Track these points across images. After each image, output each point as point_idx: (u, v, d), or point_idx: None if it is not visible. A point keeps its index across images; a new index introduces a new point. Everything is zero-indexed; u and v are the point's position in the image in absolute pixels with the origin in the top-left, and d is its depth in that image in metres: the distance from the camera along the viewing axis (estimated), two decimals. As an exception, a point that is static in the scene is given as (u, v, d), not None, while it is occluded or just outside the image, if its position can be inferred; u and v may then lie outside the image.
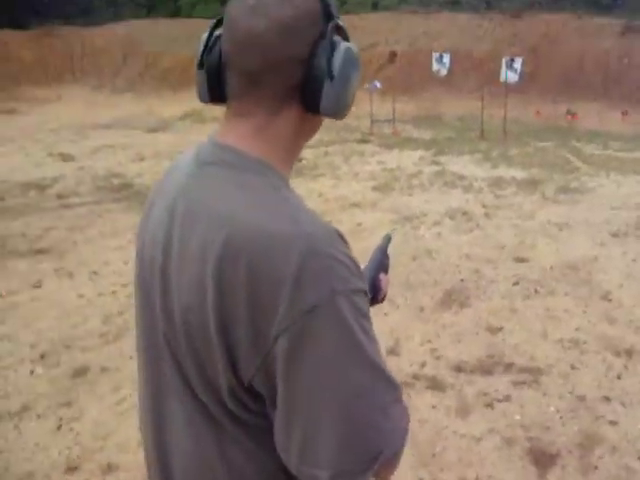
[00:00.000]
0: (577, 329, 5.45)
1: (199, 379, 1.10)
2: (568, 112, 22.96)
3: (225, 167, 1.14)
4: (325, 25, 1.12)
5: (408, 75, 27.24)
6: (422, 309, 5.87)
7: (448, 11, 31.90)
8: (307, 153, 14.46)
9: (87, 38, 34.47)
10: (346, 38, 1.18)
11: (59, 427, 4.05)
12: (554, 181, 11.81)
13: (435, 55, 25.66)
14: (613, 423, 4.05)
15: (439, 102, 25.38)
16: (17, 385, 4.64)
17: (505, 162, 14.10)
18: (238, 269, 0.99)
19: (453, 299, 6.13)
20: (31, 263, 7.41)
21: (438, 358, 4.94)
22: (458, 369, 4.75)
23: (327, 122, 1.27)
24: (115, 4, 39.84)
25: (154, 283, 1.18)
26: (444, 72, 25.75)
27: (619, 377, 4.65)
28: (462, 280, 6.65)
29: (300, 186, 10.24)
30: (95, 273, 6.94)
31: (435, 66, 25.66)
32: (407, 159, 14.55)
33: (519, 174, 12.51)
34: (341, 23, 1.16)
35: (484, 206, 9.79)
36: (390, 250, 1.82)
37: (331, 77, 1.10)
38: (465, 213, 9.36)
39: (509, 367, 4.79)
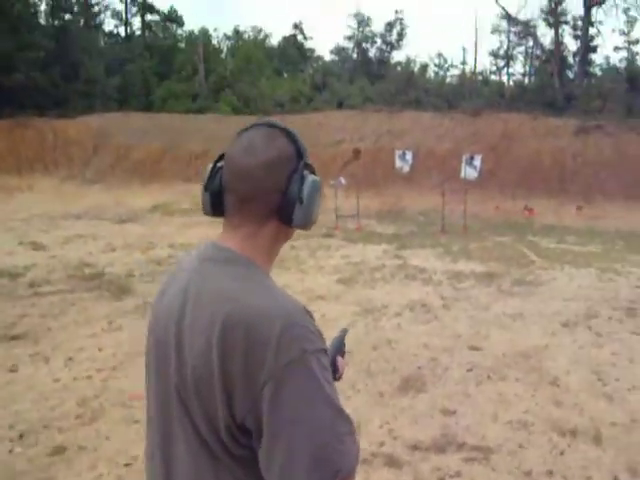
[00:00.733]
0: (526, 412, 5.83)
1: (203, 420, 1.48)
2: (525, 207, 23.82)
3: (223, 263, 1.58)
4: (298, 162, 1.61)
5: (372, 172, 28.04)
6: (382, 394, 6.21)
7: (411, 110, 33.03)
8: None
9: (59, 129, 34.98)
10: (313, 171, 1.66)
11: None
12: (510, 274, 12.35)
13: (398, 152, 26.59)
14: (555, 495, 4.41)
15: (402, 198, 26.11)
16: (-4, 464, 4.85)
17: (464, 256, 14.67)
18: (236, 336, 1.41)
19: (410, 385, 6.48)
20: (6, 348, 7.61)
21: (395, 438, 5.26)
22: (414, 448, 5.08)
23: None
24: (88, 97, 40.60)
25: (168, 347, 1.57)
26: (407, 169, 26.68)
27: (562, 454, 5.02)
28: (419, 368, 7.01)
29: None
30: (70, 359, 7.17)
31: (398, 163, 26.58)
32: (370, 253, 15.04)
33: (477, 267, 13.04)
34: (309, 161, 1.65)
35: (442, 298, 10.24)
36: (346, 340, 2.26)
37: (301, 202, 1.57)
38: (424, 305, 9.77)
39: (461, 446, 5.13)
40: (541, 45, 44.32)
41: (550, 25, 41.46)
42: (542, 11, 42.39)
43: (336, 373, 2.07)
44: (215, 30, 76.78)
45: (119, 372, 6.77)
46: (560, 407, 5.96)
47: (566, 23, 41.55)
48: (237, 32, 61.36)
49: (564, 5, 40.75)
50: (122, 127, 36.50)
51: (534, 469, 4.77)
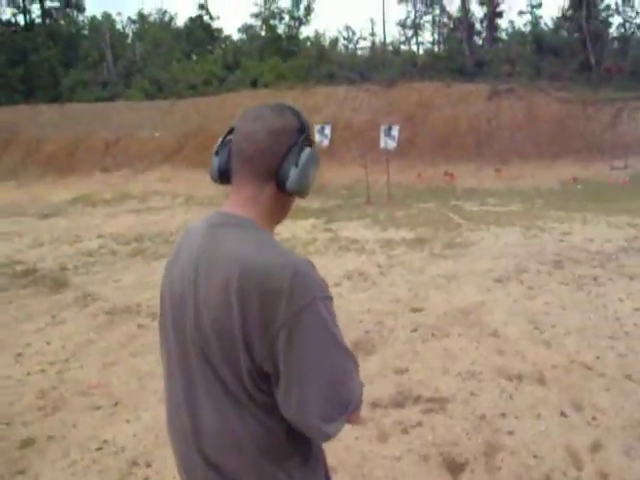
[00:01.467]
0: (472, 363, 6.13)
1: (226, 369, 1.64)
2: (446, 173, 24.37)
3: (230, 226, 1.74)
4: (299, 136, 1.78)
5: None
6: (334, 359, 6.43)
7: (325, 85, 33.19)
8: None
9: (-38, 126, 34.09)
10: (312, 143, 1.85)
11: (18, 492, 4.35)
12: (439, 238, 12.73)
13: (317, 127, 26.73)
14: (510, 433, 4.71)
15: (324, 172, 26.13)
16: (-35, 463, 4.86)
17: (393, 224, 15.02)
18: (252, 289, 1.57)
19: (360, 348, 6.70)
20: (-51, 352, 7.53)
21: (350, 399, 5.49)
22: (374, 405, 5.32)
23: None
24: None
25: (187, 309, 1.72)
26: (326, 143, 26.90)
27: (511, 397, 5.34)
28: (366, 332, 7.25)
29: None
30: (19, 355, 7.11)
31: (317, 137, 26.75)
32: (300, 228, 15.22)
33: (407, 234, 13.40)
34: (310, 136, 1.84)
35: (378, 266, 10.52)
36: None
37: (296, 165, 1.74)
38: (361, 273, 10.03)
39: (418, 399, 5.39)
40: (448, 13, 45.07)
41: (456, -8, 42.16)
42: (446, -22, 43.08)
43: None
44: (119, 14, 75.17)
45: (72, 363, 6.78)
46: (503, 356, 6.29)
47: (471, -11, 42.33)
48: (142, 15, 60.15)
49: (468, -29, 41.39)
50: (30, 120, 35.67)
51: (487, 413, 5.07)
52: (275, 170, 1.76)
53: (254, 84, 37.17)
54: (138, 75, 42.07)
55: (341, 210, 18.40)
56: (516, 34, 42.58)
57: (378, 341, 6.93)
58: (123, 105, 36.61)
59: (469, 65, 33.99)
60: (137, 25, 60.43)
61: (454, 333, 7.07)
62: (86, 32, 52.18)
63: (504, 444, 4.56)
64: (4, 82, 40.29)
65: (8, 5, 49.24)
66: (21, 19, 50.04)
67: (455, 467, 4.29)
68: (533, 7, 44.13)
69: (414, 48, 50.21)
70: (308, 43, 48.10)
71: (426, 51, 45.32)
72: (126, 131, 33.83)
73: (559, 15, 40.05)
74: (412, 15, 49.65)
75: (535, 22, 42.89)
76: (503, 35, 43.56)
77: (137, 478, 4.41)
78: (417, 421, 4.99)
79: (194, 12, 59.92)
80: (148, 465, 4.52)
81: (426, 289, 8.89)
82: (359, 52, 48.02)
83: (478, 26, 42.42)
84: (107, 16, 54.55)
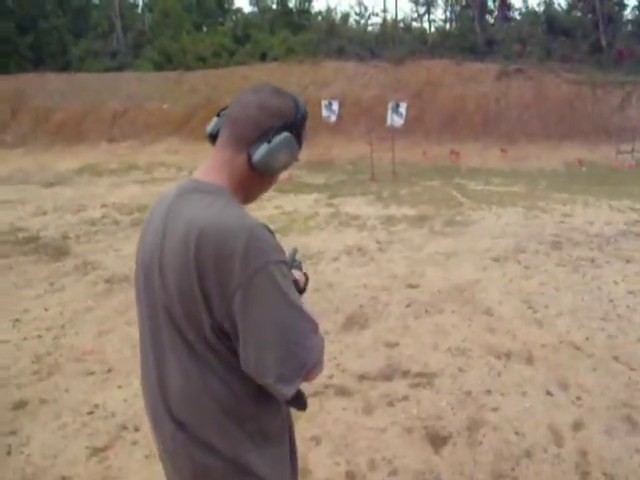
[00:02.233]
0: (463, 340, 6.20)
1: (190, 328, 1.71)
2: (452, 152, 24.30)
3: (199, 192, 1.80)
4: (288, 122, 1.84)
5: (307, 127, 28.11)
6: (327, 332, 6.47)
7: (335, 60, 33.02)
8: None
9: (-28, 92, 34.08)
10: (300, 136, 1.91)
11: (9, 453, 4.40)
12: (441, 216, 12.76)
13: (324, 102, 26.58)
14: (494, 409, 4.78)
15: (330, 147, 26.34)
16: (-42, 421, 4.96)
17: (396, 201, 15.02)
18: (209, 250, 1.63)
19: (354, 322, 6.78)
20: (-52, 316, 7.62)
21: (344, 371, 5.56)
22: (362, 378, 5.39)
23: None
24: (0, 57, 39.26)
25: (154, 270, 1.80)
26: (333, 118, 26.74)
27: (499, 374, 5.40)
28: (361, 306, 7.32)
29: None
30: (17, 320, 7.20)
31: (325, 113, 26.59)
32: (302, 202, 15.28)
33: (409, 211, 13.42)
34: (301, 129, 1.91)
35: (377, 242, 10.56)
36: (298, 257, 2.48)
37: (269, 142, 1.79)
38: (360, 249, 10.07)
39: (406, 373, 5.46)
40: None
41: (468, -30, 41.69)
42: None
43: (296, 284, 2.30)
44: (129, -16, 74.26)
45: (69, 330, 6.86)
46: (494, 334, 6.35)
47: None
48: (152, -15, 59.71)
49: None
50: (39, 89, 35.61)
51: (474, 389, 5.14)
52: (251, 142, 1.81)
53: (263, 57, 37.03)
54: (147, 46, 41.91)
55: (345, 186, 18.39)
56: (529, 14, 42.08)
57: (372, 316, 7.00)
58: (132, 76, 36.52)
59: (480, 44, 33.72)
60: (147, -5, 60.03)
61: (447, 310, 7.12)
62: (96, 1, 51.76)
63: (488, 420, 4.63)
64: (13, 49, 40.13)
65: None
66: (31, -14, 49.72)
67: (438, 440, 4.37)
68: (548, -14, 43.69)
69: (425, 25, 49.94)
70: (319, 17, 47.73)
71: (437, 29, 45.07)
72: (134, 102, 33.78)
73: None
74: (425, -9, 49.44)
75: (549, 2, 42.45)
76: (516, 15, 43.16)
77: (125, 441, 4.50)
78: (404, 395, 5.06)
79: (205, -17, 59.47)
80: (137, 429, 4.60)
81: (423, 266, 8.93)
82: (370, 28, 47.69)
83: (491, 4, 42.11)
84: (117, -15, 54.20)
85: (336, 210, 13.94)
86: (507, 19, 40.35)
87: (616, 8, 35.19)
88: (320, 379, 5.37)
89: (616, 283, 7.93)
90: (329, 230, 11.75)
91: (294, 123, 1.85)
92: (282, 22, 44.03)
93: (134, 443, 4.44)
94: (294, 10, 47.61)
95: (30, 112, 34.27)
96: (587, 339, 6.15)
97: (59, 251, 10.67)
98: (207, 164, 1.88)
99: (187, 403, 1.78)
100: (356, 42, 35.83)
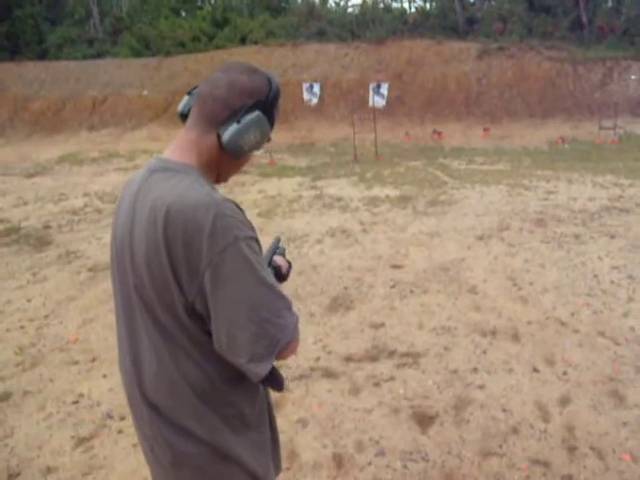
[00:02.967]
0: (448, 318, 6.20)
1: (162, 309, 1.68)
2: (434, 131, 24.26)
3: (166, 171, 1.76)
4: (259, 100, 1.80)
5: (281, 106, 28.04)
6: (312, 314, 6.47)
7: (315, 42, 32.84)
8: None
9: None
10: (272, 116, 1.87)
11: (-7, 444, 4.40)
12: (424, 196, 12.73)
13: (305, 85, 26.56)
14: (481, 387, 4.79)
15: (312, 130, 26.23)
16: (-59, 416, 4.90)
17: (379, 182, 14.97)
18: (177, 228, 1.59)
19: (339, 304, 6.77)
20: None
21: (330, 353, 5.55)
22: (348, 359, 5.38)
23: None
24: (-25, 46, 38.81)
25: (125, 251, 1.76)
26: (315, 101, 26.73)
27: (485, 352, 5.41)
28: (346, 288, 7.30)
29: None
30: (0, 312, 7.19)
31: (306, 96, 26.58)
32: (286, 186, 15.20)
33: (392, 192, 13.37)
34: (274, 108, 1.87)
35: (361, 223, 10.52)
36: (281, 244, 2.45)
37: (238, 122, 1.74)
38: (344, 231, 10.04)
39: (392, 354, 5.46)
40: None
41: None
42: None
43: (279, 270, 2.26)
44: (105, -31, 73.28)
45: (52, 319, 6.81)
46: (480, 312, 6.35)
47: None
48: (128, -29, 59.11)
49: None
50: (17, 78, 35.26)
51: (460, 367, 5.14)
52: (220, 121, 1.77)
53: (243, 41, 36.74)
54: (125, 32, 41.48)
55: (328, 168, 18.30)
56: (509, -9, 42.04)
57: (357, 297, 6.98)
58: (110, 63, 36.17)
59: (460, 23, 33.58)
60: (124, -20, 59.41)
61: (432, 289, 7.11)
62: (72, -13, 51.19)
63: (474, 398, 4.63)
64: (-12, 38, 39.67)
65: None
66: (4, -26, 48.94)
67: (424, 420, 4.36)
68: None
69: (406, 5, 49.67)
70: (299, 0, 47.45)
71: (417, 8, 44.82)
72: (113, 89, 33.48)
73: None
74: (404, -29, 49.16)
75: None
76: (496, -8, 43.04)
77: (111, 430, 4.47)
78: (390, 375, 5.06)
79: (183, -33, 58.86)
80: (122, 418, 4.57)
81: (407, 246, 8.91)
82: (350, 9, 47.40)
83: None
84: (94, -29, 53.54)
85: (319, 192, 13.88)
86: (487, -3, 40.25)
87: (596, -16, 35.18)
88: (306, 362, 5.37)
89: (600, 259, 7.93)
90: (313, 212, 11.70)
91: (266, 102, 1.81)
92: (261, 5, 43.66)
93: (120, 432, 4.41)
94: (273, -7, 47.26)
95: (8, 102, 33.89)
96: (572, 315, 6.16)
97: (41, 241, 10.58)
98: (176, 143, 1.84)
99: (162, 387, 1.75)
100: (336, 24, 35.60)
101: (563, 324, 5.95)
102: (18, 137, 31.03)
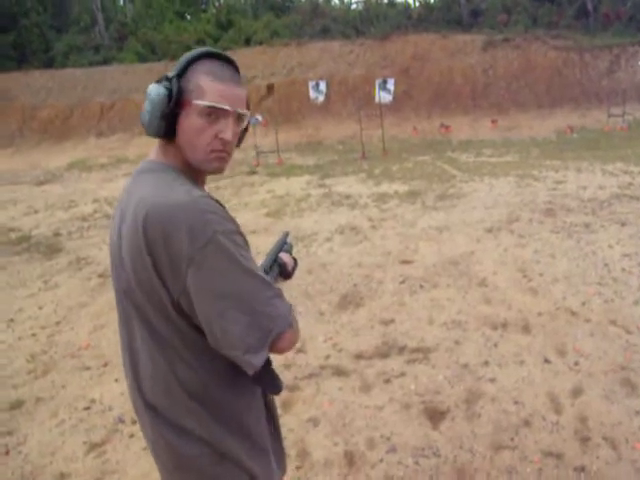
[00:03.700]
0: (459, 312, 6.17)
1: (152, 309, 1.66)
2: (442, 125, 24.20)
3: (148, 172, 1.77)
4: (164, 75, 1.77)
5: (287, 105, 28.04)
6: (322, 313, 6.46)
7: (320, 40, 32.83)
8: (198, 190, 14.91)
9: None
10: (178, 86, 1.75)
11: (7, 452, 4.39)
12: (433, 190, 12.70)
13: (311, 83, 26.56)
14: (492, 380, 4.76)
15: (319, 128, 26.21)
16: (-45, 425, 4.93)
17: (387, 178, 14.95)
18: (156, 229, 1.57)
19: (348, 302, 6.75)
20: (-57, 319, 7.58)
21: (340, 350, 5.53)
22: (358, 357, 5.37)
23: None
24: (-18, 57, 38.98)
25: (116, 257, 1.76)
26: (321, 99, 26.72)
27: (496, 345, 5.38)
28: (355, 285, 7.28)
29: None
30: (12, 320, 7.18)
31: (312, 94, 26.57)
32: (295, 185, 15.21)
33: (401, 188, 13.35)
34: (182, 76, 1.75)
35: (370, 220, 10.50)
36: (289, 240, 2.43)
37: None
38: (353, 228, 10.02)
39: (402, 350, 5.44)
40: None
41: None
42: None
43: (284, 267, 2.24)
44: (109, -24, 73.27)
45: (64, 326, 6.84)
46: (490, 304, 6.32)
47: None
48: (133, -24, 59.20)
49: None
50: (24, 87, 35.46)
51: (471, 361, 5.12)
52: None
53: (248, 42, 36.76)
54: (131, 37, 41.59)
55: (336, 166, 18.30)
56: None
57: (366, 294, 6.96)
58: (117, 69, 36.31)
59: (465, 15, 33.49)
60: (128, -14, 59.48)
61: (442, 284, 7.09)
62: (76, -5, 51.27)
63: (486, 391, 4.61)
64: (-5, 48, 39.82)
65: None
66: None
67: (436, 415, 4.34)
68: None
69: (409, 0, 49.44)
70: (302, -1, 47.43)
71: (421, 2, 44.69)
72: (121, 95, 33.62)
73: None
74: (406, -35, 48.95)
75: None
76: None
77: (123, 435, 4.48)
78: (400, 371, 5.04)
79: (186, -29, 58.88)
80: (134, 422, 4.57)
81: (416, 241, 8.89)
82: (354, 6, 47.33)
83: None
84: (97, -23, 53.60)
85: (328, 190, 13.87)
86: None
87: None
88: (316, 360, 5.36)
89: (611, 247, 7.88)
90: (321, 211, 11.69)
91: (174, 74, 1.75)
92: (265, 5, 43.64)
93: (131, 436, 4.41)
94: (276, -7, 47.22)
95: (16, 111, 34.09)
96: (583, 304, 6.12)
97: (52, 249, 10.62)
98: (157, 143, 1.84)
99: (158, 389, 1.75)
100: (340, 21, 35.59)
101: (574, 314, 5.91)
102: (27, 146, 31.22)
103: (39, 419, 4.84)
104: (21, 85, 35.73)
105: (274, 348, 1.67)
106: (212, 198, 1.67)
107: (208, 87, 1.71)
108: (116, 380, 5.35)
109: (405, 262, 7.99)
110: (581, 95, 25.43)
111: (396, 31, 31.77)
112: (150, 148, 1.87)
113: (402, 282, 7.23)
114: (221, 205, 1.69)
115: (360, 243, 9.09)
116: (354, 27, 34.12)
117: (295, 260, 2.35)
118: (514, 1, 33.23)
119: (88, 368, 5.68)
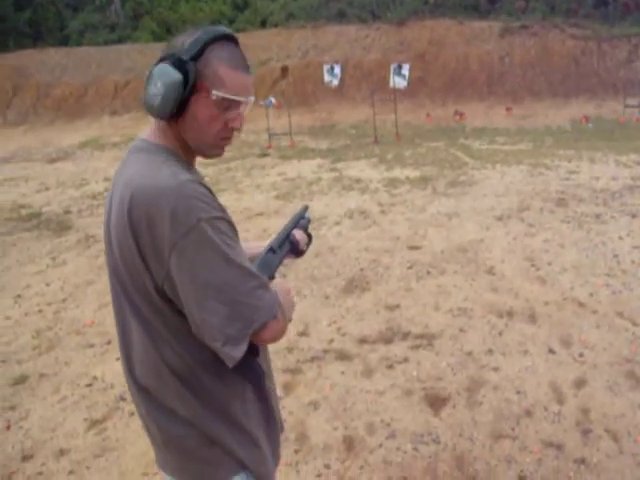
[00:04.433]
0: (465, 299, 6.14)
1: (135, 290, 1.65)
2: (456, 112, 24.05)
3: (140, 151, 1.73)
4: (167, 53, 1.73)
5: (301, 88, 27.92)
6: (327, 297, 6.45)
7: (336, 23, 32.63)
8: (209, 170, 14.93)
9: (-28, 69, 33.99)
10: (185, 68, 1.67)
11: (8, 427, 4.41)
12: (444, 177, 12.62)
13: (326, 67, 26.42)
14: (495, 369, 4.74)
15: (333, 112, 26.09)
16: (-42, 398, 4.96)
17: (399, 163, 14.87)
18: (140, 212, 1.55)
19: (354, 286, 6.73)
20: (-49, 293, 7.62)
21: (344, 335, 5.53)
22: (362, 341, 5.36)
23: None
24: (-1, 34, 38.97)
25: (106, 235, 1.75)
26: (336, 83, 26.59)
27: (500, 334, 5.35)
28: (362, 269, 7.26)
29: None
30: (19, 296, 7.22)
31: (327, 77, 26.44)
32: (306, 168, 15.15)
33: (412, 173, 13.28)
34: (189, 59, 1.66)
35: (380, 204, 10.46)
36: (307, 214, 2.38)
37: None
38: (362, 212, 9.99)
39: (406, 335, 5.42)
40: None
41: None
42: None
43: (296, 245, 2.20)
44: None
45: (70, 303, 6.86)
46: (497, 293, 6.29)
47: None
48: (149, -45, 58.92)
49: None
50: (40, 65, 35.42)
51: (475, 349, 5.09)
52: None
53: (263, 24, 36.60)
54: (146, 17, 41.49)
55: (348, 150, 18.22)
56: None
57: (373, 279, 6.95)
58: (132, 48, 36.21)
59: (482, 1, 33.19)
60: (145, -35, 59.24)
61: (450, 270, 7.05)
62: (93, -27, 51.17)
63: (488, 380, 4.59)
64: (11, 26, 39.65)
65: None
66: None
67: (437, 402, 4.33)
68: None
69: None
70: (319, -20, 47.15)
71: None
72: (135, 74, 33.51)
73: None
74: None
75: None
76: (518, -30, 42.44)
77: (123, 412, 4.50)
78: (403, 357, 5.03)
79: (203, -50, 58.60)
80: (134, 401, 4.58)
81: (425, 227, 8.85)
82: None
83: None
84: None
85: (339, 174, 13.82)
86: (509, -25, 39.71)
87: (621, -41, 34.55)
88: (319, 344, 5.35)
89: (621, 238, 7.82)
90: (332, 194, 11.65)
91: (181, 52, 1.67)
92: (282, -13, 43.49)
93: (132, 414, 4.43)
94: (293, -26, 47.00)
95: (31, 88, 34.08)
96: (591, 295, 6.08)
97: (61, 226, 10.66)
98: (152, 123, 1.80)
99: (148, 370, 1.73)
100: (357, 5, 35.30)
101: (581, 305, 5.87)
102: (41, 123, 31.23)
103: (41, 395, 4.87)
104: (36, 62, 35.70)
105: (258, 338, 1.63)
106: (201, 183, 1.63)
107: (227, 77, 1.67)
108: (118, 358, 5.35)
109: (413, 248, 7.95)
110: (598, 85, 25.19)
111: (412, 16, 31.50)
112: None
113: (409, 267, 7.20)
114: (209, 190, 1.65)
115: (369, 227, 9.06)
116: (370, 11, 33.87)
117: (310, 236, 2.32)
118: (533, -12, 32.94)
119: (92, 345, 5.70)
